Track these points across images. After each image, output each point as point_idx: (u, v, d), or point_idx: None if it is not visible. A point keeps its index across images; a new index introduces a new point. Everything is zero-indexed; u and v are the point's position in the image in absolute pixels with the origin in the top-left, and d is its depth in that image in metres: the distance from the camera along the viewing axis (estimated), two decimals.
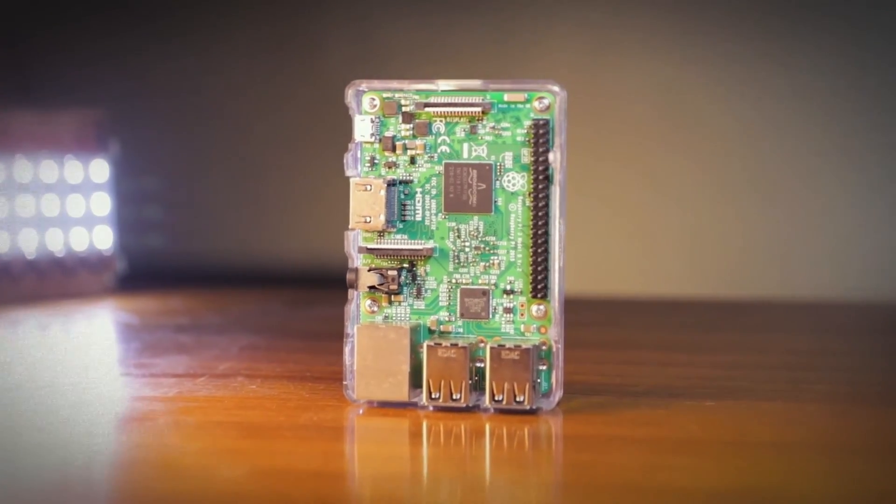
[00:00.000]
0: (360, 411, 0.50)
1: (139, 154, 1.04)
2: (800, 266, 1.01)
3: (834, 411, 0.51)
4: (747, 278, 1.01)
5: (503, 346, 0.50)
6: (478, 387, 0.51)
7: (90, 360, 0.67)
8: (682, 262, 1.03)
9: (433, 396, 0.50)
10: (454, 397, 0.50)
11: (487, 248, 0.52)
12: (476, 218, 0.52)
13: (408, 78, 0.52)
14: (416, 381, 0.51)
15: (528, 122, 0.51)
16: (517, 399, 0.50)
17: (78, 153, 0.93)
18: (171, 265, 1.06)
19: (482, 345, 0.51)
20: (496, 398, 0.50)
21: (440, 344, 0.51)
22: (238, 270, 1.08)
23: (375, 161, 0.52)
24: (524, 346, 0.50)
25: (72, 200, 0.93)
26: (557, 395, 0.50)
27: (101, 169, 0.95)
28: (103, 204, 0.95)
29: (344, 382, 0.52)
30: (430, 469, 0.43)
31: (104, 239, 0.95)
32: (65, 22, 1.10)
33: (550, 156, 0.50)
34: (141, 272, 0.99)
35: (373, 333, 0.51)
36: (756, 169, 1.01)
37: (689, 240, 1.02)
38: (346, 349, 0.52)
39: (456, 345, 0.50)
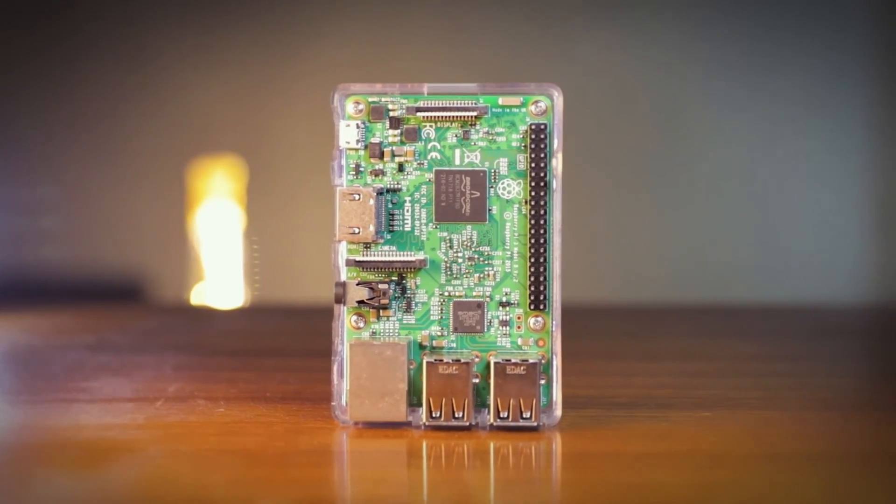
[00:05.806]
0: (345, 435, 0.47)
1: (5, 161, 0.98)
2: (718, 272, 1.02)
3: (834, 418, 0.51)
4: (661, 283, 1.01)
5: (508, 360, 0.48)
6: (474, 404, 0.49)
7: (16, 384, 0.62)
8: (603, 269, 1.02)
9: (434, 415, 0.48)
10: (456, 415, 0.48)
11: (482, 259, 0.49)
12: (469, 227, 0.49)
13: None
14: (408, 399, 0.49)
15: (523, 127, 0.49)
16: (524, 415, 0.48)
17: None
18: (48, 280, 1.00)
19: (477, 359, 0.49)
20: (501, 415, 0.48)
21: (440, 360, 0.48)
22: (106, 285, 1.03)
23: (361, 169, 0.49)
24: (531, 361, 0.48)
25: None
26: (558, 409, 0.48)
27: None
28: None
29: (332, 403, 0.49)
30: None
31: None
32: None
33: (553, 161, 0.48)
34: (13, 288, 0.93)
35: (367, 351, 0.48)
36: (689, 175, 1.02)
37: (608, 245, 1.02)
38: (334, 368, 0.49)
39: (458, 360, 0.48)
